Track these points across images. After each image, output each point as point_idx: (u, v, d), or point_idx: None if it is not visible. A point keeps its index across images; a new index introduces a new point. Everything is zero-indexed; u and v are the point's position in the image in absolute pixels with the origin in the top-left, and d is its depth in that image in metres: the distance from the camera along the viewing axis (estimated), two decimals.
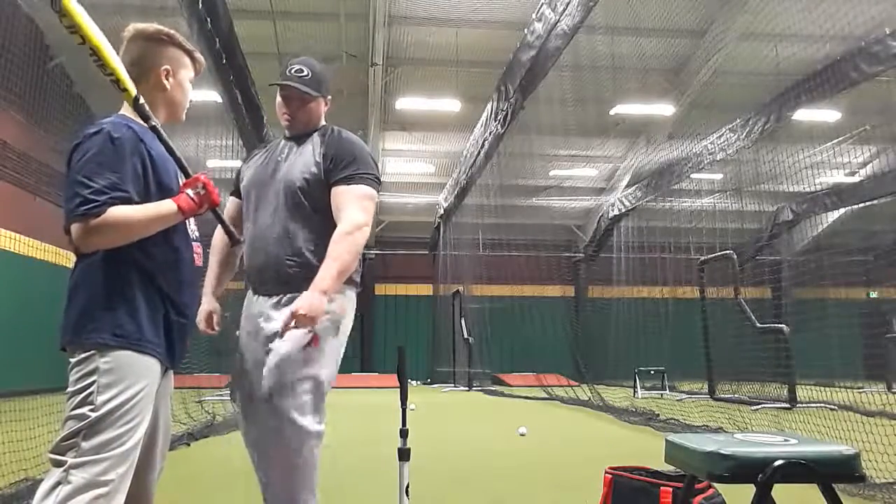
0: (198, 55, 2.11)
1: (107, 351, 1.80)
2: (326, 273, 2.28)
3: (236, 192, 2.66)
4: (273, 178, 2.49)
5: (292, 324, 2.22)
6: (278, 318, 2.37)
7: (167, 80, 2.01)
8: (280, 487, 2.34)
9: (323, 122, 2.61)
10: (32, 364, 10.60)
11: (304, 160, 2.47)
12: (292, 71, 2.51)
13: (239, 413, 2.53)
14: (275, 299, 2.43)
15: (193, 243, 2.05)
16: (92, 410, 1.76)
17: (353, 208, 2.37)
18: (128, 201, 1.82)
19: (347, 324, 2.50)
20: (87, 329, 1.82)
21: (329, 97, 2.61)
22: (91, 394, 1.78)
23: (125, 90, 1.89)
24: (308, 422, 2.31)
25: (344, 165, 2.42)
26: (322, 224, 2.41)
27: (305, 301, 2.23)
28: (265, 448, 2.36)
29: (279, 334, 2.29)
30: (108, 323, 1.82)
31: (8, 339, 10.90)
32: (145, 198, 1.88)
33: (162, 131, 1.95)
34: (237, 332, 2.53)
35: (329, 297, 2.27)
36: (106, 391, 1.78)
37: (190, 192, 1.89)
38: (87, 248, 1.82)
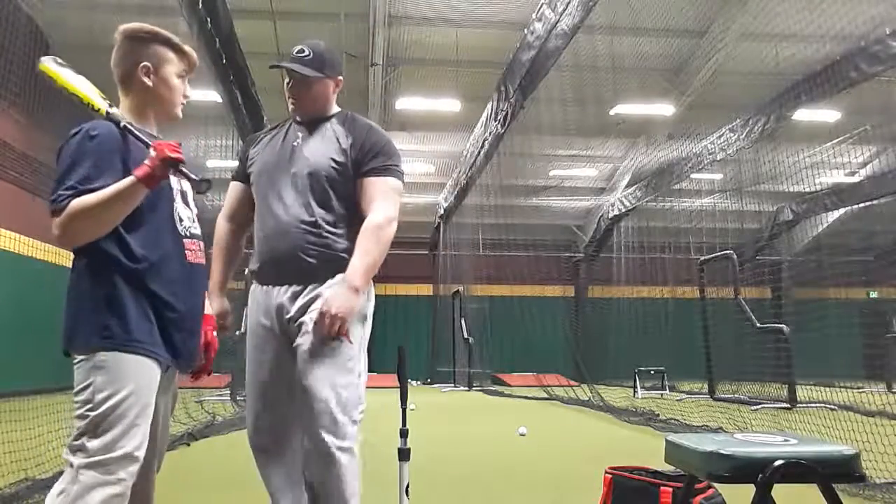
0: (186, 49, 2.08)
1: (99, 352, 1.83)
2: (359, 267, 2.24)
3: (241, 177, 2.53)
4: (292, 163, 2.38)
5: (325, 326, 2.17)
6: (297, 308, 2.31)
7: (148, 77, 2.00)
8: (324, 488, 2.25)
9: (335, 108, 2.51)
10: (32, 364, 10.58)
11: (328, 147, 2.39)
12: (294, 52, 2.44)
13: (254, 406, 2.43)
14: (294, 289, 2.33)
15: (186, 240, 2.02)
16: (91, 410, 1.79)
17: (386, 201, 2.33)
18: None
19: (371, 307, 2.45)
20: (78, 333, 1.85)
21: (339, 78, 2.50)
22: (91, 394, 1.81)
23: (98, 109, 1.94)
24: (346, 443, 2.24)
25: (374, 156, 2.36)
26: (345, 214, 2.36)
27: (337, 299, 2.18)
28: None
29: (313, 334, 2.22)
30: (96, 325, 1.84)
31: (8, 339, 10.89)
32: None
33: (132, 128, 1.93)
34: (242, 328, 2.48)
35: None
36: (103, 390, 1.80)
37: (146, 160, 1.86)
38: (66, 243, 1.84)
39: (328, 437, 2.20)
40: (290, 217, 2.33)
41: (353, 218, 2.35)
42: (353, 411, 2.26)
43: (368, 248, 2.26)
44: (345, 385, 2.26)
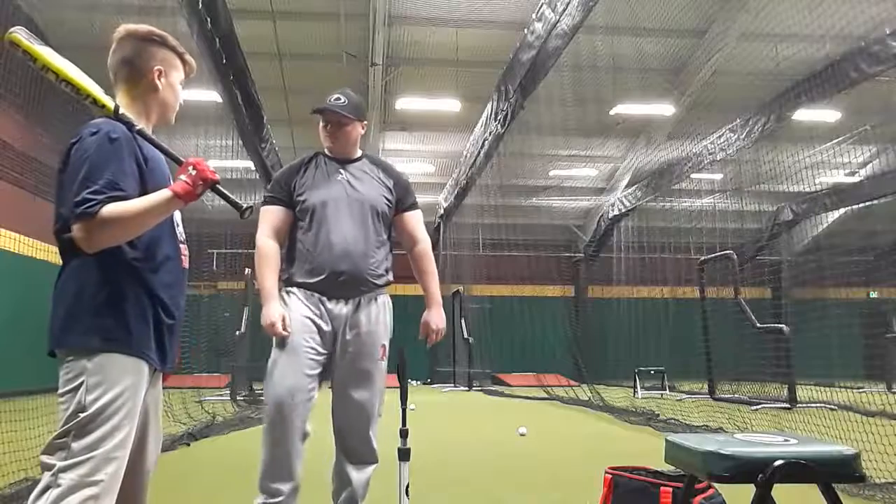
0: (188, 58, 2.10)
1: (96, 352, 1.80)
2: (437, 289, 3.02)
3: (284, 202, 2.91)
4: (349, 197, 2.89)
5: (435, 337, 2.99)
6: (364, 325, 2.85)
7: (159, 80, 2.00)
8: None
9: (359, 149, 3.04)
10: (32, 364, 10.55)
11: (379, 187, 2.96)
12: (332, 99, 2.94)
13: (293, 387, 2.76)
14: (352, 304, 2.84)
15: (181, 245, 2.04)
16: (81, 411, 1.76)
17: (424, 229, 3.07)
18: (125, 199, 1.80)
19: None
20: (73, 332, 1.81)
21: (365, 122, 3.03)
22: (80, 394, 1.77)
23: (104, 107, 1.90)
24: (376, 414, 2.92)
25: (410, 194, 3.05)
26: (386, 240, 2.96)
27: (440, 317, 3.00)
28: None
29: (427, 343, 3.06)
30: (96, 326, 1.81)
31: (8, 339, 10.89)
32: None
33: (148, 132, 1.94)
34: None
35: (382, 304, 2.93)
36: (94, 391, 1.77)
37: (182, 176, 1.85)
38: (91, 248, 1.79)
39: (371, 434, 2.88)
40: (350, 242, 2.83)
41: (388, 243, 2.98)
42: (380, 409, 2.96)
43: (433, 271, 3.04)
44: (383, 392, 2.95)
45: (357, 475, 2.86)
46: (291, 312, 2.80)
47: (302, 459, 2.78)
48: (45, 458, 1.76)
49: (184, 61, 2.08)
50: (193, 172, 1.84)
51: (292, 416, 2.72)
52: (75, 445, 1.74)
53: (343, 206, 2.86)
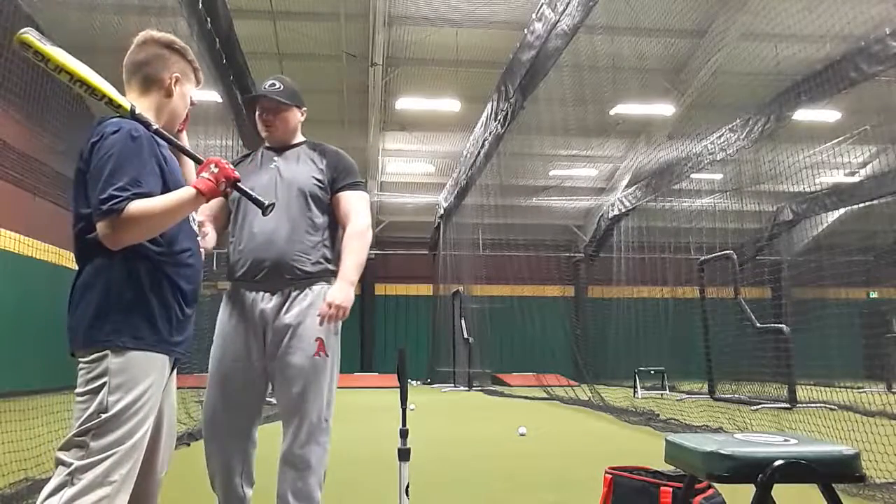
0: (200, 74, 2.16)
1: (120, 352, 1.80)
2: (351, 266, 2.63)
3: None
4: (273, 182, 2.71)
5: (330, 312, 2.51)
6: (283, 322, 2.60)
7: (175, 87, 2.04)
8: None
9: (300, 136, 2.87)
10: (32, 364, 10.58)
11: (308, 167, 2.75)
12: (266, 86, 2.80)
13: (214, 400, 2.76)
14: (278, 299, 2.62)
15: (198, 238, 2.09)
16: (102, 411, 1.76)
17: (362, 211, 2.75)
18: (149, 196, 1.82)
19: (340, 323, 2.74)
20: (102, 331, 1.80)
21: (304, 108, 2.86)
22: (102, 395, 1.77)
23: (119, 107, 1.91)
24: (321, 440, 2.64)
25: (347, 174, 2.77)
26: (324, 225, 2.72)
27: (340, 292, 2.56)
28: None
29: (320, 322, 2.54)
30: (125, 325, 1.81)
31: (8, 339, 10.89)
32: None
33: (165, 134, 1.97)
34: (220, 325, 2.66)
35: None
36: (117, 391, 1.78)
37: (204, 174, 1.90)
38: (116, 245, 1.80)
39: (305, 440, 2.61)
40: (273, 229, 2.63)
41: (329, 227, 2.74)
42: (328, 414, 2.67)
43: (356, 250, 2.66)
44: (325, 394, 2.64)
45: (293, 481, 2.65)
46: (223, 321, 2.69)
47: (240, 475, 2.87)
48: (62, 455, 1.76)
49: (196, 77, 2.13)
50: (216, 170, 1.90)
51: (222, 441, 2.82)
52: (94, 444, 1.75)
53: (266, 193, 2.59)
